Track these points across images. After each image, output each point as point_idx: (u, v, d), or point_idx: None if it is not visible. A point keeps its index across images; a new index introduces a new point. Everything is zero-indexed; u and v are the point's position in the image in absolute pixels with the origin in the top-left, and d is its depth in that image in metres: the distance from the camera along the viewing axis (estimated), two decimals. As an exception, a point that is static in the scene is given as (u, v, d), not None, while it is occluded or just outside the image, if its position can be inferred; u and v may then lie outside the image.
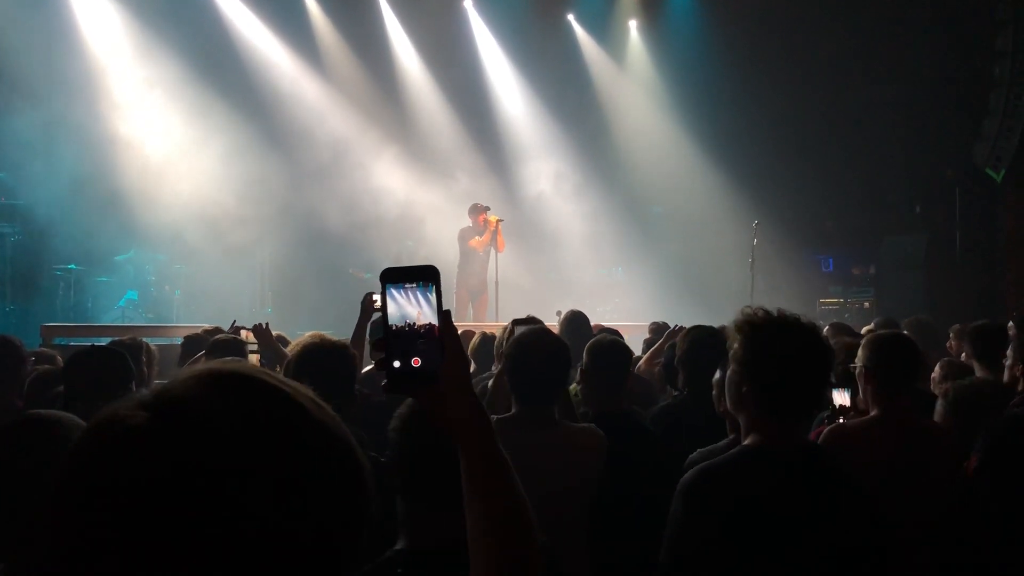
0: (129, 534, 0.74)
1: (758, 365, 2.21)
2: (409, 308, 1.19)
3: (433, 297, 1.19)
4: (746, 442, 2.27)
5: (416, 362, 1.18)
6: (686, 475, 2.22)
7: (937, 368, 4.63)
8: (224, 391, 0.82)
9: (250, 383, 0.85)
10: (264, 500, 0.77)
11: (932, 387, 4.45)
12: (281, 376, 0.88)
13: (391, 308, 1.19)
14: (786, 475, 2.17)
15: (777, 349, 2.20)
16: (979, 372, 4.51)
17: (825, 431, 3.08)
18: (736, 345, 2.27)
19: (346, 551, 0.84)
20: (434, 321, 1.19)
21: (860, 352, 3.22)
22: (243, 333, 5.51)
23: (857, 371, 3.22)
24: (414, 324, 1.18)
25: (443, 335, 1.19)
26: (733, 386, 2.30)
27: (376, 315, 5.04)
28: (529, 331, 3.16)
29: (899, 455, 2.97)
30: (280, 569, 0.78)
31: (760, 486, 2.15)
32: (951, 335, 7.61)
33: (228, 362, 0.89)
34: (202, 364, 0.87)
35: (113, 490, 0.75)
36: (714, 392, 2.95)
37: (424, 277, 1.19)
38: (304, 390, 0.88)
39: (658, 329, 6.56)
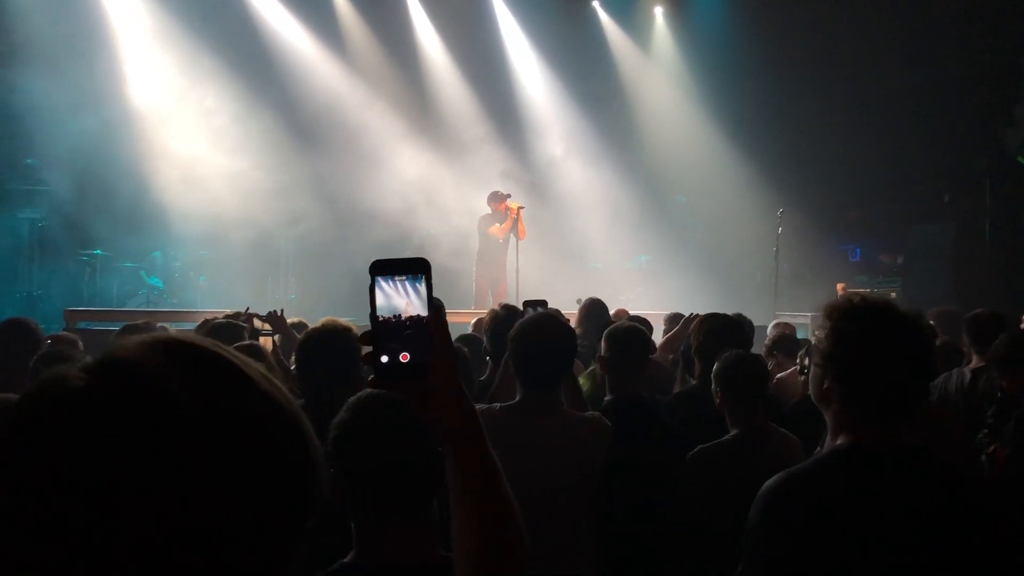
0: (64, 498, 0.72)
1: (847, 357, 1.96)
2: (397, 299, 1.16)
3: (423, 288, 1.16)
4: (837, 443, 2.00)
5: (404, 357, 1.15)
6: (769, 481, 1.96)
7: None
8: (169, 357, 0.80)
9: (196, 351, 0.82)
10: (206, 468, 0.75)
11: None
12: (232, 350, 0.85)
13: (380, 300, 1.16)
14: (883, 480, 1.91)
15: (865, 338, 1.96)
16: (975, 360, 4.49)
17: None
18: (821, 333, 2.03)
19: (290, 527, 0.82)
20: (423, 313, 1.16)
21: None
22: (256, 321, 5.52)
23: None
24: (401, 315, 1.16)
25: (432, 328, 1.16)
26: (815, 379, 2.04)
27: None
28: (534, 316, 3.14)
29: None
30: (220, 542, 0.76)
31: (851, 492, 1.89)
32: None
33: (179, 332, 0.87)
34: (150, 333, 0.85)
35: (51, 452, 0.73)
36: (713, 386, 2.88)
37: (414, 269, 1.17)
38: (253, 364, 0.85)
39: (673, 319, 6.51)
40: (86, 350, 4.67)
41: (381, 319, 1.16)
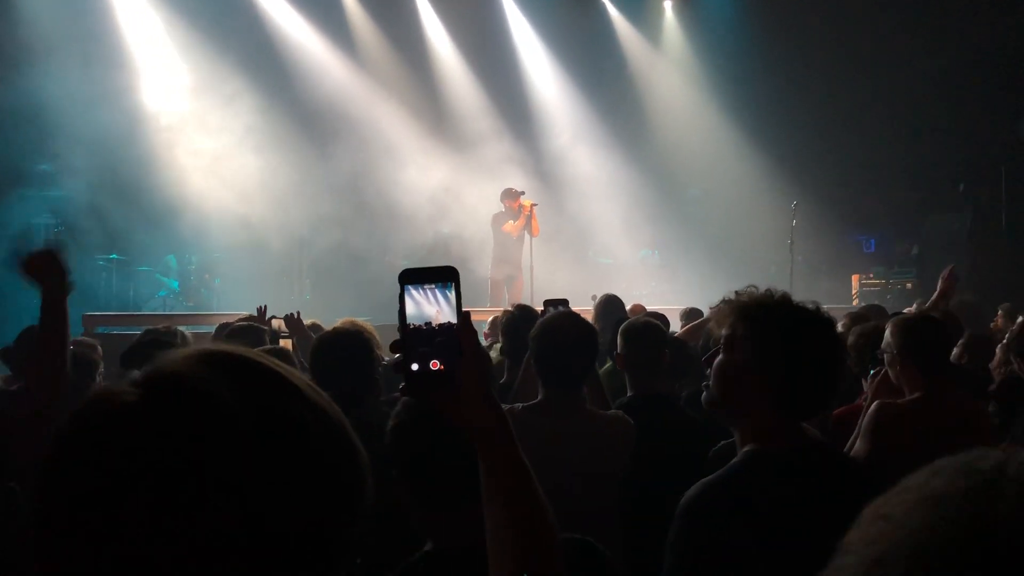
0: (118, 512, 0.73)
1: (772, 356, 1.88)
2: (427, 307, 1.17)
3: (452, 296, 1.18)
4: (746, 448, 1.94)
5: (434, 364, 1.16)
6: (688, 491, 1.90)
7: (999, 351, 4.55)
8: (217, 369, 0.81)
9: (243, 362, 0.84)
10: (258, 478, 0.76)
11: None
12: (272, 359, 0.87)
13: (409, 307, 1.17)
14: (794, 480, 1.88)
15: (791, 334, 1.88)
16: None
17: (873, 405, 3.00)
18: (741, 331, 1.92)
19: (340, 535, 0.83)
20: (453, 320, 1.17)
21: (890, 338, 3.15)
22: (275, 322, 5.54)
23: (889, 359, 3.16)
24: (432, 323, 1.17)
25: (461, 336, 1.17)
26: (731, 380, 1.94)
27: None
28: (556, 315, 3.13)
29: (943, 435, 2.91)
30: (272, 550, 0.77)
31: (766, 494, 1.84)
32: (999, 313, 7.48)
33: (221, 344, 0.88)
34: (195, 346, 0.86)
35: (103, 467, 0.74)
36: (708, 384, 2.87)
37: (443, 277, 1.18)
38: (299, 374, 0.87)
39: (690, 314, 6.49)
40: (104, 355, 4.70)
41: (411, 327, 1.17)
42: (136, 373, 0.82)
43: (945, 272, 5.27)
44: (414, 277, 1.18)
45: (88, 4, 11.25)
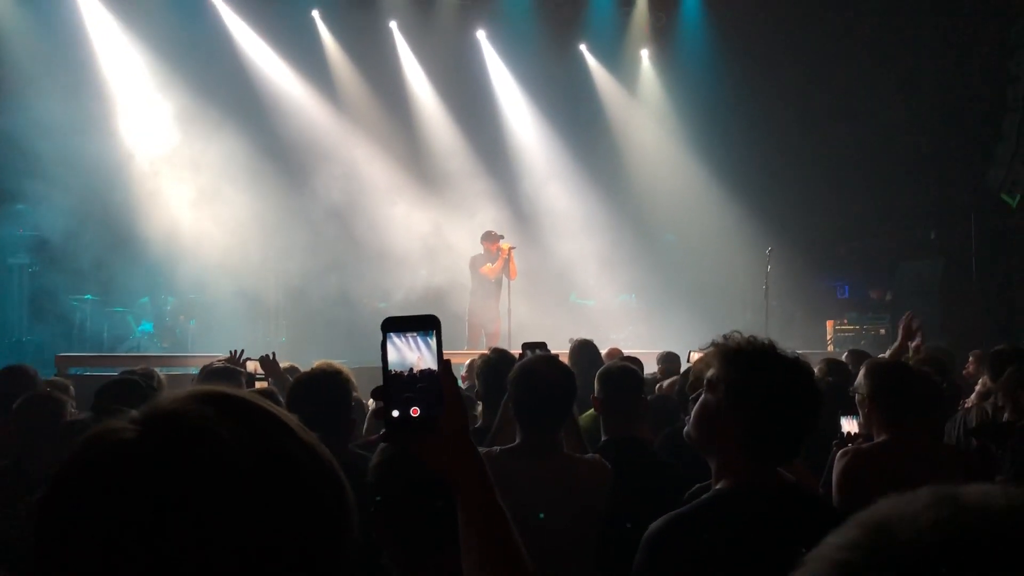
0: (116, 548, 0.74)
1: (745, 398, 1.93)
2: (409, 354, 1.19)
3: (434, 343, 1.19)
4: (719, 486, 1.99)
5: (415, 411, 1.18)
6: (653, 524, 1.96)
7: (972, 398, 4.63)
8: (212, 408, 0.82)
9: (237, 402, 0.85)
10: (255, 514, 0.78)
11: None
12: (265, 400, 0.88)
13: (391, 355, 1.19)
14: (764, 522, 1.89)
15: (764, 380, 1.93)
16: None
17: (839, 452, 3.08)
18: (716, 374, 1.99)
19: (330, 570, 0.84)
20: (434, 367, 1.19)
21: (862, 381, 3.22)
22: (250, 365, 5.51)
23: (859, 399, 3.22)
24: (413, 369, 1.19)
25: (443, 383, 1.19)
26: (706, 420, 2.01)
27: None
28: (534, 358, 3.16)
29: (911, 479, 2.95)
30: None
31: (734, 535, 1.89)
32: (970, 360, 7.57)
33: (215, 385, 0.90)
34: (190, 387, 0.88)
35: (102, 504, 0.75)
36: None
37: (425, 325, 1.20)
38: (289, 414, 0.89)
39: (667, 358, 6.52)
40: (77, 396, 4.66)
41: (393, 373, 1.18)
42: (135, 412, 0.83)
43: (902, 321, 5.36)
44: (396, 325, 1.20)
45: (66, 40, 11.25)
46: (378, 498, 1.78)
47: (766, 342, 2.01)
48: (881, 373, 3.18)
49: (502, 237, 10.86)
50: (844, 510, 2.77)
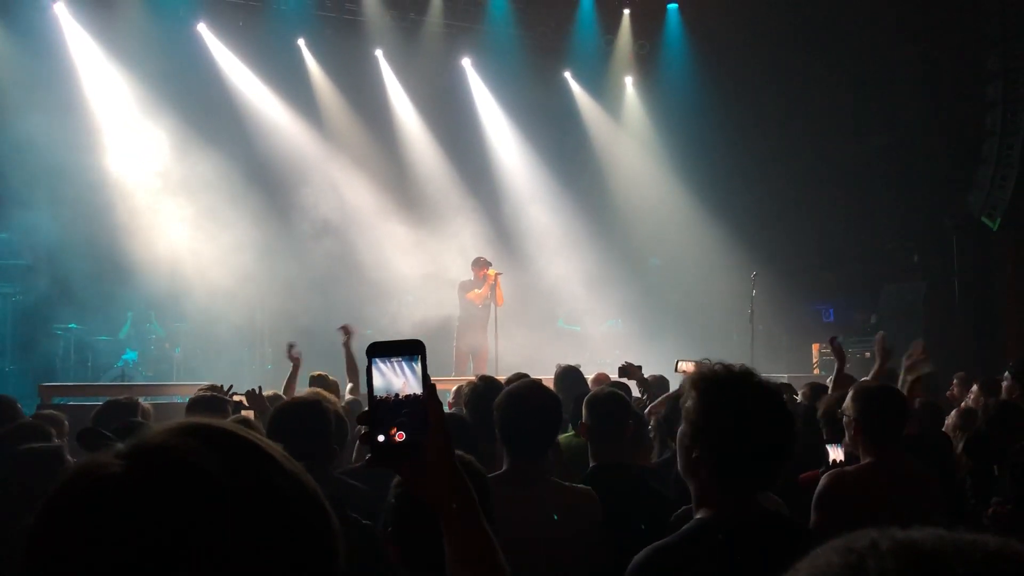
0: None
1: (715, 426, 1.93)
2: (394, 379, 1.19)
3: (419, 368, 1.20)
4: (698, 515, 2.00)
5: (400, 436, 1.18)
6: (637, 556, 1.95)
7: (953, 415, 4.66)
8: (197, 441, 0.83)
9: (222, 434, 0.86)
10: (242, 545, 0.78)
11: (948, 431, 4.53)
12: (250, 431, 0.89)
13: (376, 380, 1.19)
14: (743, 552, 1.89)
15: (737, 409, 1.92)
16: None
17: (824, 476, 3.09)
18: (690, 403, 1.98)
19: None
20: (419, 391, 1.19)
21: (849, 403, 3.24)
22: (236, 399, 5.49)
23: (846, 421, 3.24)
24: (399, 394, 1.19)
25: (428, 408, 1.19)
26: (684, 449, 2.01)
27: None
28: (519, 384, 3.16)
29: (892, 502, 2.97)
30: None
31: (714, 567, 1.89)
32: (954, 382, 7.61)
33: (200, 418, 0.90)
34: (174, 420, 0.88)
35: (87, 540, 0.75)
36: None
37: (410, 350, 1.20)
38: (274, 445, 0.89)
39: (655, 383, 6.53)
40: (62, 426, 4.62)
41: (378, 398, 1.19)
42: (121, 445, 0.83)
43: (875, 343, 5.43)
44: (381, 350, 1.20)
45: (52, 72, 11.26)
46: (364, 521, 1.80)
47: (736, 368, 2.00)
48: (867, 396, 3.21)
49: (490, 264, 10.89)
50: (819, 532, 2.78)
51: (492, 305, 10.65)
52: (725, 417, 1.92)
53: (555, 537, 2.86)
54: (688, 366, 6.16)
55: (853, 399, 3.23)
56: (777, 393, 2.00)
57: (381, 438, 1.19)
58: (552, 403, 3.09)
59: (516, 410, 2.98)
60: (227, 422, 0.90)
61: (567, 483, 3.11)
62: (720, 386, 1.96)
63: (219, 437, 0.85)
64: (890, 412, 3.19)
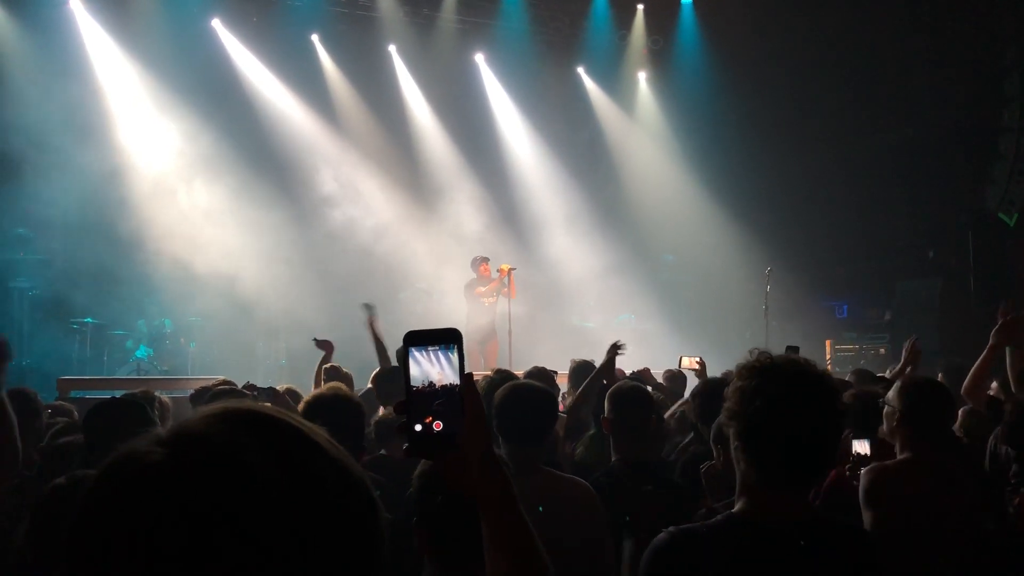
0: (146, 573, 0.73)
1: (747, 412, 1.86)
2: (431, 368, 1.18)
3: (455, 358, 1.19)
4: (736, 508, 1.92)
5: (437, 425, 1.17)
6: (658, 537, 1.88)
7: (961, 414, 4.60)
8: (240, 428, 0.81)
9: (265, 420, 0.84)
10: (284, 534, 0.77)
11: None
12: (293, 416, 0.87)
13: (413, 369, 1.18)
14: (772, 555, 1.81)
15: (770, 394, 1.85)
16: None
17: (865, 472, 3.03)
18: (730, 390, 1.93)
19: None
20: (456, 381, 1.18)
21: (895, 396, 3.20)
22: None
23: (888, 412, 3.20)
24: (435, 383, 1.18)
25: (464, 398, 1.18)
26: (724, 440, 2.03)
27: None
28: (516, 382, 3.30)
29: (932, 499, 2.95)
30: None
31: (737, 564, 1.81)
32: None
33: (241, 401, 0.88)
34: (214, 404, 0.86)
35: (130, 529, 0.74)
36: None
37: (446, 339, 1.19)
38: (318, 429, 0.87)
39: (672, 377, 6.52)
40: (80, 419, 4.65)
41: (415, 388, 1.18)
42: (160, 431, 0.82)
43: (908, 344, 5.37)
44: (418, 339, 1.19)
45: (67, 69, 11.29)
46: (415, 519, 1.82)
47: (774, 356, 1.94)
48: (916, 390, 3.17)
49: (487, 259, 10.96)
50: (874, 528, 2.74)
51: (506, 300, 10.67)
52: (757, 404, 1.85)
53: (553, 525, 2.86)
54: (691, 362, 6.15)
55: (900, 392, 3.19)
56: (819, 381, 1.91)
57: (418, 428, 1.18)
58: (544, 395, 3.19)
59: (511, 401, 3.07)
60: (268, 407, 0.88)
61: (559, 473, 3.16)
62: (757, 374, 1.89)
63: (260, 423, 0.83)
64: (938, 408, 3.17)
